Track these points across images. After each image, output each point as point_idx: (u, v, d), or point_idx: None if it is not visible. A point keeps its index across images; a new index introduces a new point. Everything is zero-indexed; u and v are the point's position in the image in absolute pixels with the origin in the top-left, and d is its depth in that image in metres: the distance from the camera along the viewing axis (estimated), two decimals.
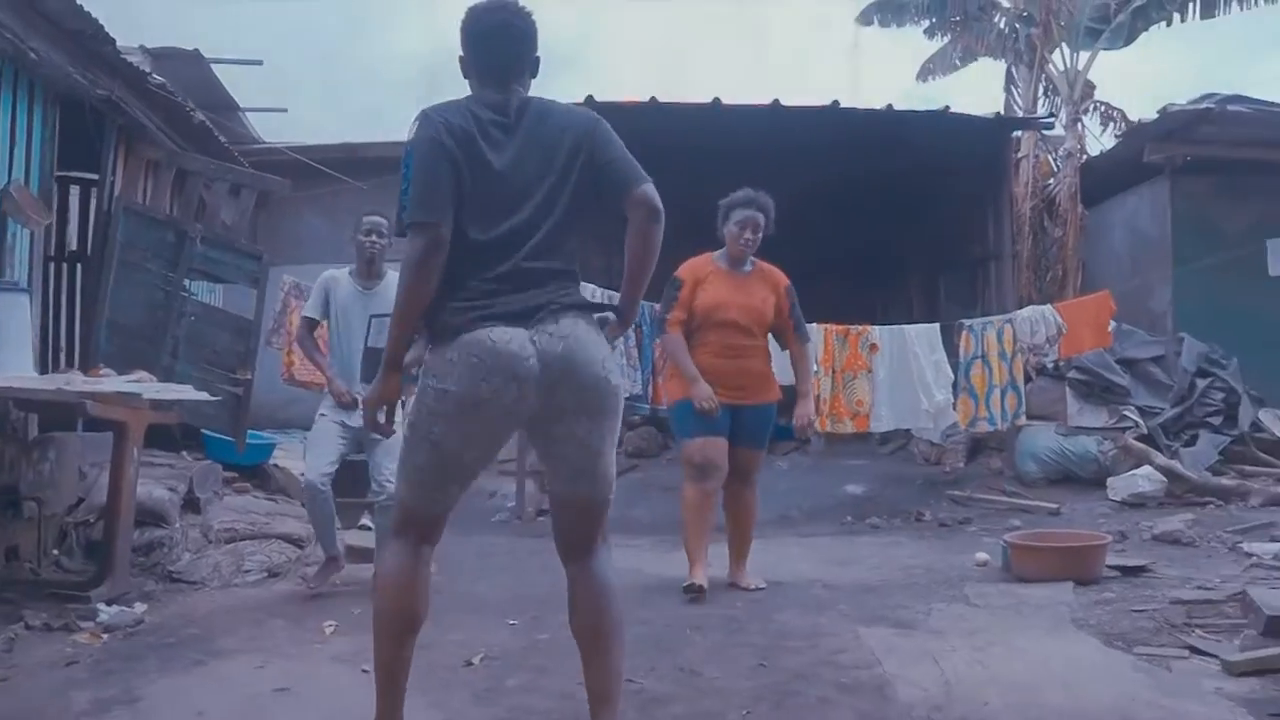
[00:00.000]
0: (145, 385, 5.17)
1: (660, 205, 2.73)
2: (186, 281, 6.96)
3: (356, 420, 4.90)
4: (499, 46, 2.82)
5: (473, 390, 2.59)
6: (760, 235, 5.26)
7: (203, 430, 7.26)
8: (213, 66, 11.32)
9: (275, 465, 8.27)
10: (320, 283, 5.35)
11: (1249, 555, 5.94)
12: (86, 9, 5.66)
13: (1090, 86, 12.46)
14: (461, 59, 2.88)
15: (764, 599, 5.03)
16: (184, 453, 7.52)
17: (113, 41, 6.11)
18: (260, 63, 11.53)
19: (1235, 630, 4.18)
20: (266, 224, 11.21)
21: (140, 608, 4.67)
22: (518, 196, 2.70)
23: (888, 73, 34.46)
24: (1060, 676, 3.56)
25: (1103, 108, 12.43)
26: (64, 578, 5.13)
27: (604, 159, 2.75)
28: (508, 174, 2.70)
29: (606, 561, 2.80)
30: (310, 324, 5.39)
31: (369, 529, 6.29)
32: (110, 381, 4.96)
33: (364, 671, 3.60)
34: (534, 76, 2.88)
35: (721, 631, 4.31)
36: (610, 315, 2.86)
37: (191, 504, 6.19)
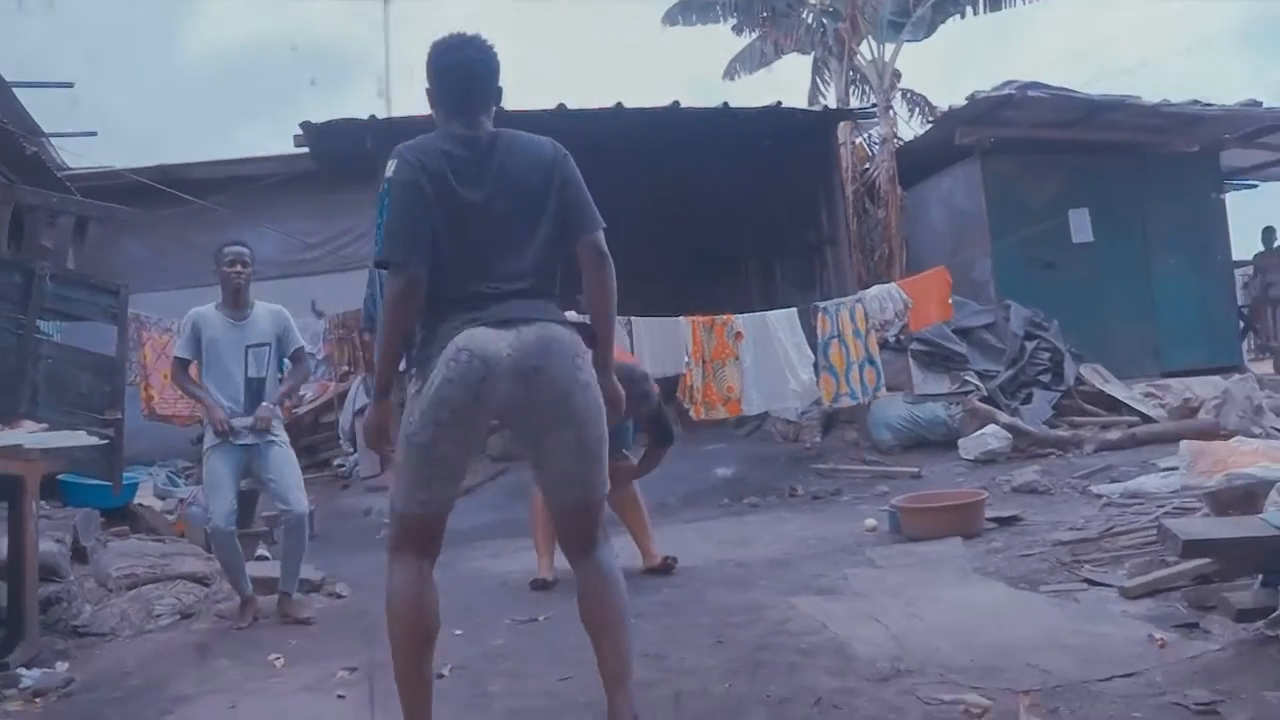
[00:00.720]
0: (35, 435, 4.96)
1: (606, 251, 2.93)
2: (39, 323, 6.62)
3: (243, 439, 5.03)
4: (466, 82, 2.95)
5: (444, 379, 2.72)
6: None
7: (58, 477, 6.93)
8: (15, 91, 10.69)
9: (140, 504, 7.96)
10: (189, 321, 5.28)
11: (1099, 496, 6.55)
12: None
13: (897, 75, 13.25)
14: (429, 91, 2.99)
15: (687, 582, 5.25)
16: (42, 503, 7.15)
17: None
18: (71, 85, 10.91)
19: (1116, 562, 4.68)
20: (85, 255, 10.68)
21: (62, 666, 4.47)
22: (494, 228, 2.85)
23: (692, 72, 35.32)
24: (989, 618, 3.94)
25: (909, 95, 13.21)
26: None
27: (565, 196, 2.91)
28: (483, 207, 2.84)
29: (608, 554, 2.95)
30: (183, 364, 5.31)
31: (267, 558, 6.21)
32: (2, 435, 4.73)
33: (339, 698, 3.66)
34: (497, 105, 3.01)
35: (666, 616, 4.51)
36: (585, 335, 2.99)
37: (79, 554, 5.92)
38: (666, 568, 5.48)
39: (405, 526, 2.87)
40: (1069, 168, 10.98)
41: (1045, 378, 9.41)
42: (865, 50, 13.30)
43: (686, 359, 8.19)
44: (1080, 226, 10.96)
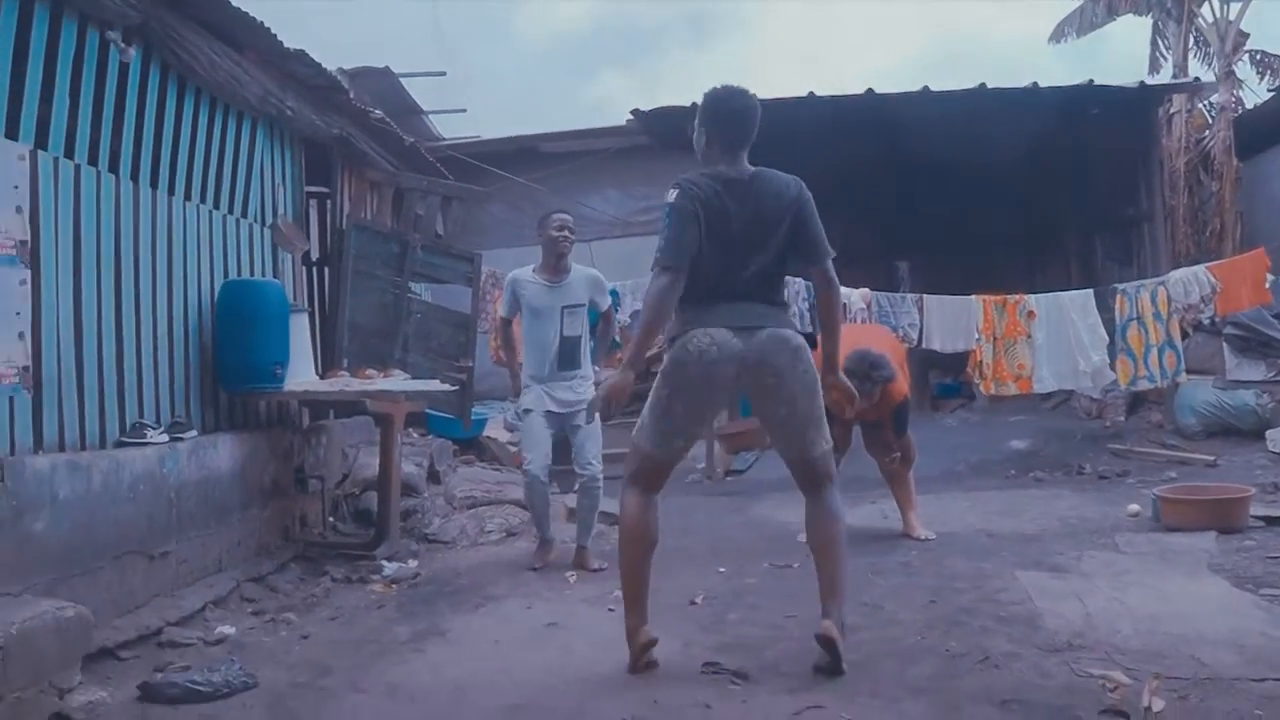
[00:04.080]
0: (401, 382, 6.24)
1: (835, 278, 3.76)
2: (411, 284, 8.03)
3: (554, 406, 5.61)
4: (740, 126, 3.74)
5: (688, 357, 3.61)
6: (874, 396, 5.75)
7: (425, 410, 8.37)
8: (400, 79, 12.50)
9: (488, 437, 9.39)
10: (509, 284, 5.82)
11: None
12: (325, 66, 6.69)
13: (1243, 36, 12.42)
14: (702, 132, 3.79)
15: (934, 548, 5.78)
16: (411, 431, 8.69)
17: (346, 91, 7.17)
18: (444, 73, 12.64)
19: None
20: (454, 217, 12.32)
21: (413, 564, 5.75)
22: (742, 247, 3.66)
23: (1017, 35, 33.70)
24: (1185, 611, 4.20)
25: (1259, 56, 12.36)
26: (346, 540, 6.25)
27: (803, 229, 3.69)
28: (736, 231, 3.64)
29: (832, 494, 3.76)
30: (507, 323, 6.00)
31: None
32: (378, 381, 6.02)
33: (609, 610, 4.57)
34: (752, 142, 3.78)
35: (899, 575, 5.12)
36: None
37: (433, 476, 7.31)
38: (923, 541, 5.99)
39: (641, 464, 3.77)
40: None
41: None
42: (1206, 11, 12.56)
43: (977, 335, 8.51)
44: None
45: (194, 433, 5.02)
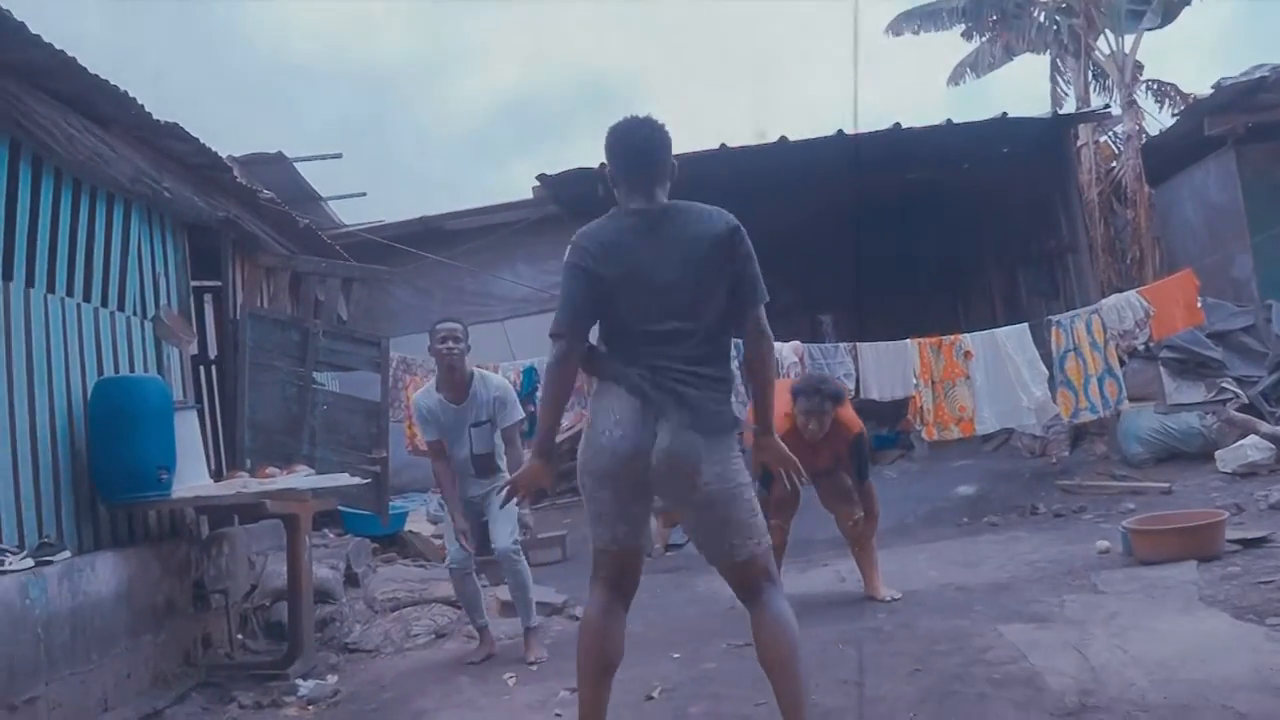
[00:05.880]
0: (305, 478, 5.66)
1: (768, 329, 3.17)
2: (315, 374, 7.47)
3: (473, 489, 5.36)
4: (641, 159, 3.24)
5: (599, 446, 3.11)
6: (827, 419, 5.45)
7: (339, 507, 7.77)
8: (295, 165, 12.03)
9: (410, 532, 8.77)
10: (415, 411, 5.54)
11: None
12: (205, 144, 6.19)
13: (1139, 67, 12.59)
14: (609, 171, 3.30)
15: (902, 608, 5.33)
16: (326, 531, 8.06)
17: (230, 170, 6.67)
18: (339, 155, 12.21)
19: None
20: (358, 301, 11.78)
21: (332, 679, 5.13)
22: (662, 290, 3.09)
23: (912, 80, 34.61)
24: (1197, 652, 3.81)
25: (1155, 85, 12.54)
26: (255, 659, 5.60)
27: (737, 270, 3.12)
28: (653, 271, 3.09)
29: (776, 597, 3.13)
30: (434, 445, 5.43)
31: None
32: (279, 480, 5.44)
33: (556, 715, 4.02)
34: (672, 179, 3.28)
35: (873, 643, 4.63)
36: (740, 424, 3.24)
37: (351, 578, 6.68)
38: (889, 601, 5.54)
39: (598, 561, 3.21)
40: None
41: None
42: (1103, 44, 12.71)
43: (915, 381, 8.20)
44: None
45: (67, 554, 4.37)
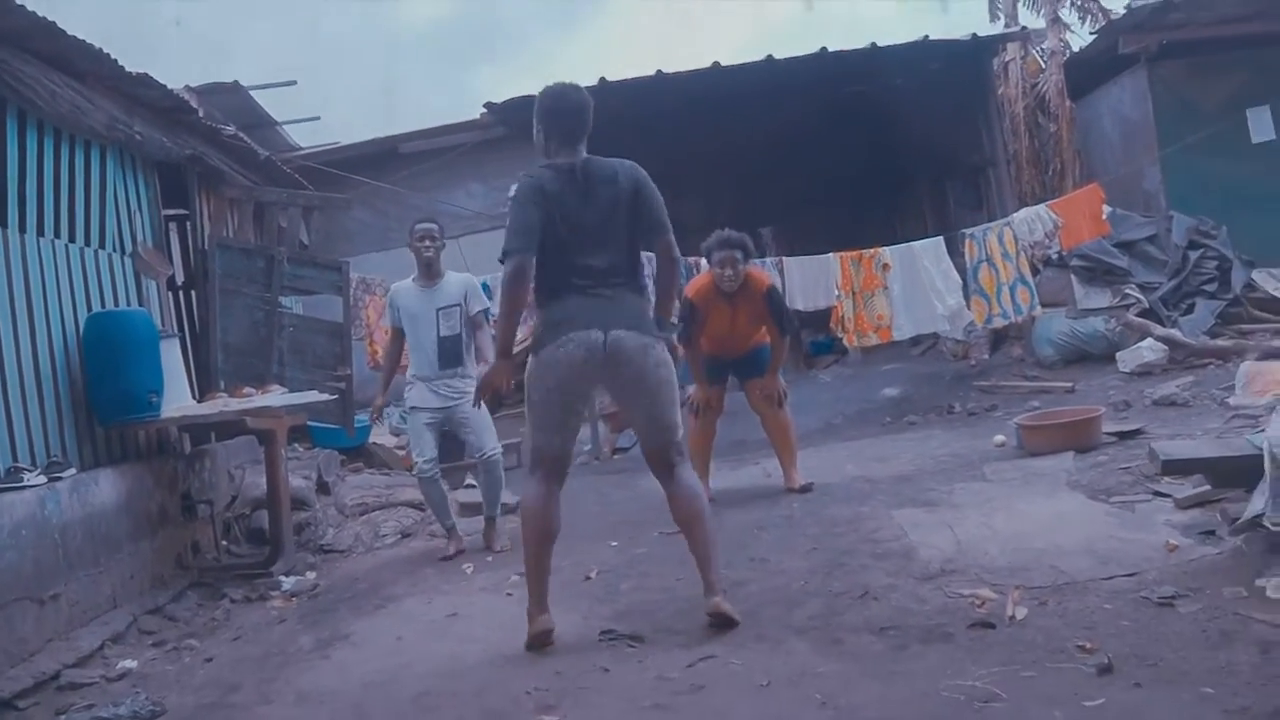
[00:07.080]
0: (280, 396, 6.23)
1: (678, 254, 3.98)
2: (281, 299, 7.98)
3: (437, 402, 5.79)
4: (572, 119, 3.91)
5: (553, 358, 3.79)
6: (740, 268, 6.05)
7: (308, 422, 8.34)
8: (251, 92, 12.29)
9: (375, 443, 9.39)
10: (389, 298, 6.12)
11: (1234, 409, 6.77)
12: (172, 89, 6.61)
13: None
14: (539, 129, 3.93)
15: (815, 498, 6.03)
16: (296, 445, 8.65)
17: (195, 111, 7.09)
18: (294, 83, 12.45)
19: None
20: (318, 226, 12.17)
21: (311, 575, 5.78)
22: (592, 229, 3.83)
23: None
24: (1047, 526, 4.54)
25: (1079, 2, 12.99)
26: (241, 561, 6.22)
27: (645, 208, 3.87)
28: (584, 213, 3.81)
29: (688, 470, 3.99)
30: (392, 334, 6.08)
31: (474, 486, 7.34)
32: (257, 399, 6.01)
33: (508, 595, 4.70)
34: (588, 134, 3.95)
35: (783, 528, 5.35)
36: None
37: (323, 487, 7.31)
38: (802, 491, 6.26)
39: (536, 459, 3.95)
40: (1247, 65, 10.57)
41: (1211, 287, 9.45)
42: None
43: (837, 291, 8.84)
44: (1260, 125, 10.60)
45: (73, 471, 4.96)
